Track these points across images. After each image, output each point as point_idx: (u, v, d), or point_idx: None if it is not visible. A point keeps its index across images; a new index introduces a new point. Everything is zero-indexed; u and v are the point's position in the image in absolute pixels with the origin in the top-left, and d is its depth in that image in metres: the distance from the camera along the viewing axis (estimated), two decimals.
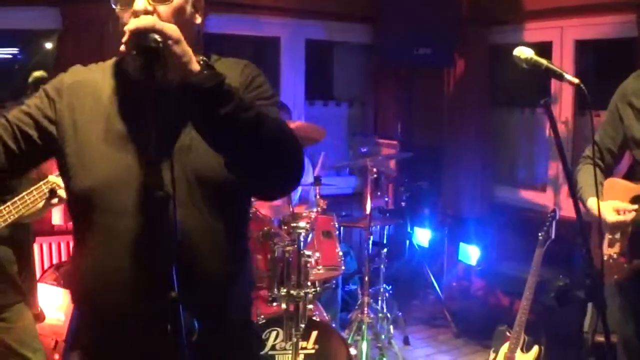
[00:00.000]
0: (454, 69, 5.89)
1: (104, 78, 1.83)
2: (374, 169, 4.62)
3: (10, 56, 5.24)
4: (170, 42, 1.50)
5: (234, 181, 1.72)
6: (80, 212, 1.79)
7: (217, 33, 5.24)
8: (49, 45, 5.22)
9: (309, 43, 5.87)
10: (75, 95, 1.79)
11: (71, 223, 1.85)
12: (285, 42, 5.79)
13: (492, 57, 5.67)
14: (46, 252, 4.80)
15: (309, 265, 3.68)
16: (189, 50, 1.53)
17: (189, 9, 1.75)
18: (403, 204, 5.44)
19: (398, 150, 5.48)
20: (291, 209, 3.99)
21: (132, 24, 1.51)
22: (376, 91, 6.05)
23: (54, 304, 3.90)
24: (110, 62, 1.88)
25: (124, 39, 1.53)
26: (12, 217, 2.84)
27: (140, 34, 1.50)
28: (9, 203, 2.82)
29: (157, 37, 1.50)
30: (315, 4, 5.68)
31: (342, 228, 5.18)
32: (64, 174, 1.79)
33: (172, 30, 1.50)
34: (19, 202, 2.83)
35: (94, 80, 1.83)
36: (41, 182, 2.83)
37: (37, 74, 2.92)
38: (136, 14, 1.62)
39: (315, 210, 4.20)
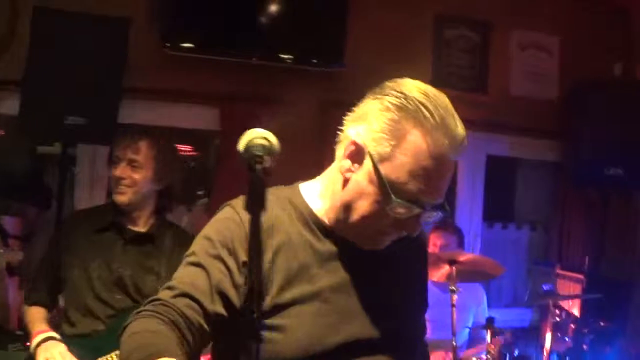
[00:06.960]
0: None
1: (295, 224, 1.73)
2: (557, 311, 4.17)
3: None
4: None
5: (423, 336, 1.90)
6: None
7: None
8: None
9: (490, 159, 5.47)
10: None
11: None
12: (464, 157, 5.31)
13: None
14: None
15: None
16: None
17: None
18: (585, 346, 4.85)
19: (585, 286, 4.94)
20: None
21: None
22: (562, 215, 5.54)
23: None
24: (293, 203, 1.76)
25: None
26: None
27: None
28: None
29: None
30: (499, 117, 5.30)
31: None
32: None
33: None
34: None
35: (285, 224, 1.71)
36: None
37: None
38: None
39: (485, 357, 3.77)
